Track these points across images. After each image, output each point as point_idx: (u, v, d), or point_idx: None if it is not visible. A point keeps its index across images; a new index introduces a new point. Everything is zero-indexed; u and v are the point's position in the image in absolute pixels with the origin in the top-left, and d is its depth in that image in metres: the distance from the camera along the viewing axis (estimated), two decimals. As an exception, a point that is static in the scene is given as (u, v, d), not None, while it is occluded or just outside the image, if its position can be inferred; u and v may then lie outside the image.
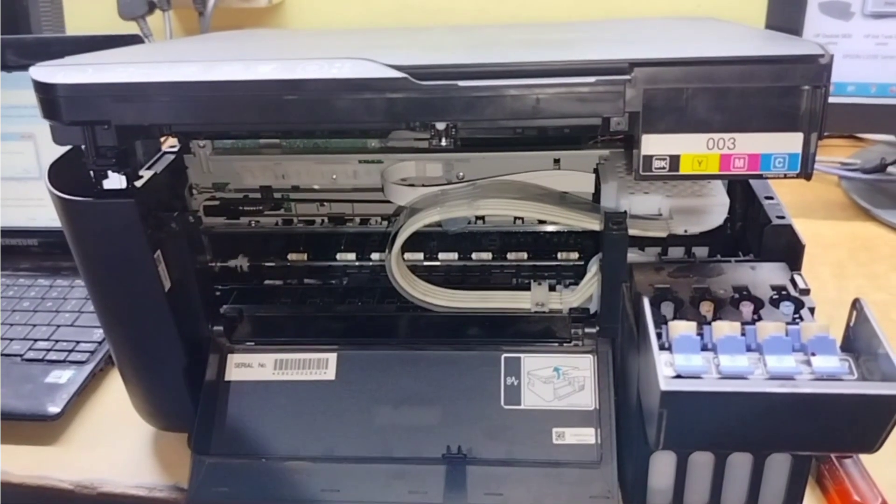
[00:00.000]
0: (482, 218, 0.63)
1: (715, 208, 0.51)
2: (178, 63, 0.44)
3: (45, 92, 0.44)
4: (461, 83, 0.42)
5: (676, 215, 0.51)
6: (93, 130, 0.45)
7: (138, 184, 0.50)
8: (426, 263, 0.62)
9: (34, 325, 0.67)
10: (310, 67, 0.42)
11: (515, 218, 0.59)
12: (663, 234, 0.50)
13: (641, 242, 0.52)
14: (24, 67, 0.73)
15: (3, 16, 0.83)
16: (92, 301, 0.51)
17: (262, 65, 0.43)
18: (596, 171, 0.54)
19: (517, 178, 0.55)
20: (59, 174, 0.48)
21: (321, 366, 0.53)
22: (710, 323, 0.40)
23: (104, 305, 0.50)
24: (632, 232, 0.49)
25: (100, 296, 0.50)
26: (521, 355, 0.52)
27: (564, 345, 0.52)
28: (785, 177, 0.43)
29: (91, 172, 0.48)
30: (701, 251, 0.53)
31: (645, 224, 0.50)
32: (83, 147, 0.47)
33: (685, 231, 0.51)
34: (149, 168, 0.55)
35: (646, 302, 0.40)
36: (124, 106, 0.43)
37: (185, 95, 0.42)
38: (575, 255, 0.59)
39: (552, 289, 0.55)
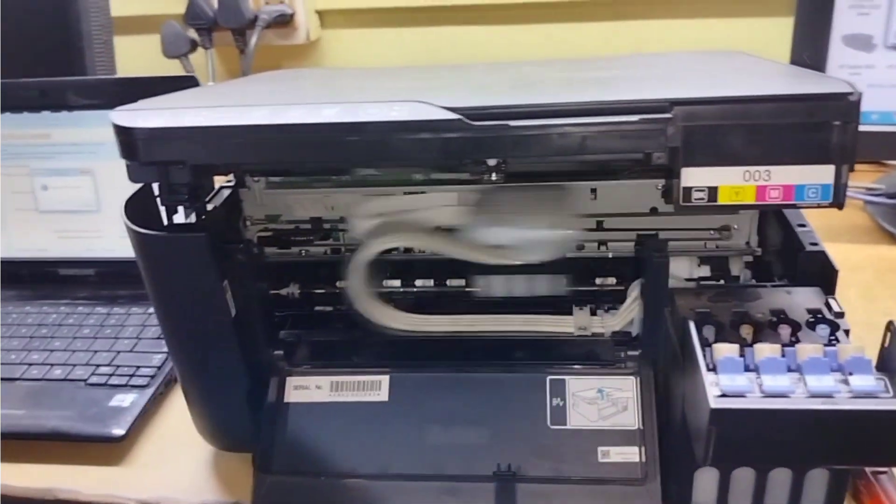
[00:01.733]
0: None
1: None
2: (247, 107, 0.47)
3: (125, 135, 0.47)
4: (512, 123, 0.45)
5: None
6: (167, 169, 0.48)
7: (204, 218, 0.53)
8: (468, 289, 0.65)
9: (95, 352, 0.70)
10: (371, 110, 0.45)
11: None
12: None
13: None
14: (85, 107, 0.77)
15: (61, 58, 0.88)
16: (161, 327, 0.54)
17: (325, 108, 0.46)
18: None
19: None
20: (132, 209, 0.51)
21: (374, 387, 0.56)
22: (751, 345, 0.42)
23: (174, 332, 0.53)
24: None
25: (170, 323, 0.53)
26: (566, 377, 0.54)
27: (608, 367, 0.54)
28: (818, 206, 0.45)
29: (164, 208, 0.51)
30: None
31: None
32: (156, 185, 0.51)
33: None
34: (208, 202, 0.58)
35: (692, 326, 0.43)
36: (200, 148, 0.46)
37: (257, 138, 0.46)
38: (613, 280, 0.62)
39: (593, 313, 0.58)
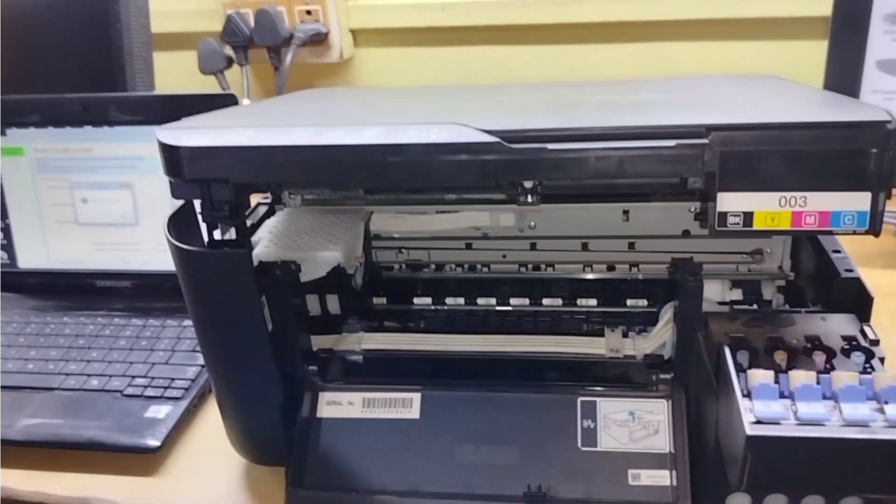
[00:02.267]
0: (552, 265, 0.67)
1: None
2: (290, 127, 0.49)
3: (170, 152, 0.49)
4: (550, 146, 0.45)
5: None
6: (209, 187, 0.50)
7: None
8: (498, 308, 0.66)
9: (131, 363, 0.71)
10: (410, 132, 0.46)
11: (584, 265, 0.63)
12: None
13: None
14: (126, 123, 0.79)
15: (103, 75, 0.90)
16: (199, 341, 0.55)
17: (366, 129, 0.47)
18: None
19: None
20: (173, 225, 0.53)
21: (406, 405, 0.57)
22: (785, 371, 0.43)
23: (212, 345, 0.54)
24: None
25: (208, 337, 0.54)
26: (597, 399, 0.54)
27: (639, 390, 0.54)
28: (854, 233, 0.45)
29: (205, 224, 0.52)
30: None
31: None
32: (198, 201, 0.52)
33: None
34: (246, 218, 0.59)
35: (727, 352, 0.43)
36: (243, 166, 0.47)
37: (299, 157, 0.47)
38: (644, 302, 0.62)
39: (625, 335, 0.58)
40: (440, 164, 0.46)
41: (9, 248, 0.85)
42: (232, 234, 0.54)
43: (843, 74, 0.80)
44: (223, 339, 0.53)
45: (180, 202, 0.54)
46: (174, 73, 1.14)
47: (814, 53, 0.89)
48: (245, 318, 0.52)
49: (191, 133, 0.49)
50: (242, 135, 0.48)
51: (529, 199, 0.51)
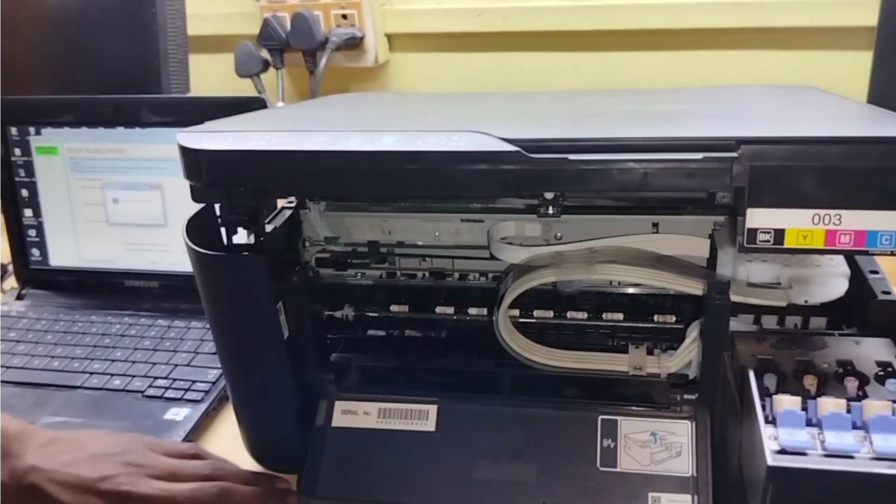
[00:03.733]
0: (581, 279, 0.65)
1: (836, 279, 0.51)
2: (308, 132, 0.48)
3: (190, 156, 0.48)
4: (571, 157, 0.44)
5: (796, 285, 0.51)
6: (229, 191, 0.49)
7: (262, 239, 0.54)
8: (522, 320, 0.64)
9: (154, 364, 0.72)
10: (429, 139, 0.45)
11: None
12: (783, 304, 0.51)
13: (758, 311, 0.53)
14: (157, 125, 0.80)
15: (138, 77, 0.91)
16: (215, 344, 0.55)
17: (385, 136, 0.46)
18: (711, 236, 0.55)
19: (629, 241, 0.56)
20: (191, 228, 0.53)
21: (422, 417, 0.56)
22: (814, 398, 0.40)
23: (227, 349, 0.54)
24: (751, 300, 0.50)
25: (224, 340, 0.54)
26: (618, 418, 0.53)
27: (662, 410, 0.53)
28: (892, 254, 0.43)
29: (224, 229, 0.52)
30: (818, 321, 0.53)
31: (764, 293, 0.51)
32: (218, 205, 0.52)
33: (805, 301, 0.51)
34: (269, 222, 0.59)
35: (752, 375, 0.41)
36: (261, 171, 0.47)
37: (316, 164, 0.46)
38: (672, 319, 0.60)
39: (650, 352, 0.56)
40: (458, 173, 0.45)
41: (41, 245, 0.87)
42: (251, 238, 0.54)
43: (889, 87, 0.77)
44: (238, 344, 0.53)
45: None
46: (211, 76, 1.15)
47: (860, 65, 0.85)
48: (260, 323, 0.51)
49: (210, 137, 0.49)
50: (261, 140, 0.48)
51: (551, 210, 0.50)
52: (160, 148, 0.80)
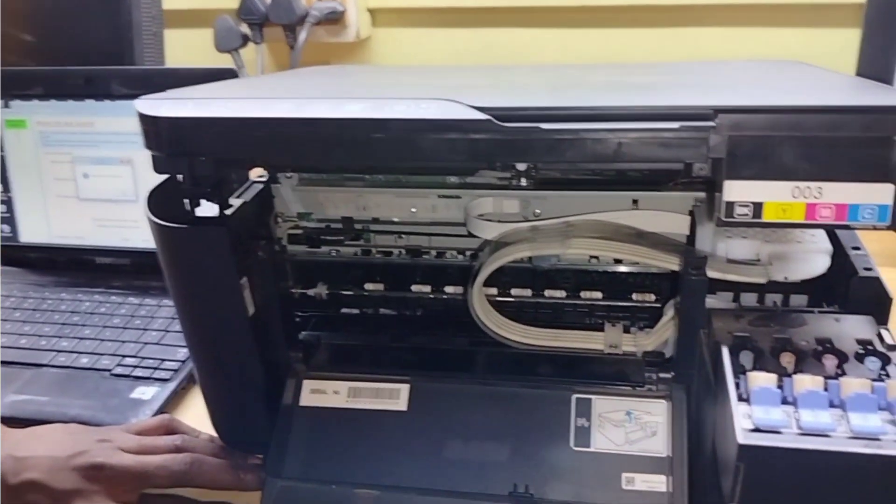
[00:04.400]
0: (558, 256, 0.63)
1: (817, 256, 0.50)
2: (271, 100, 0.46)
3: (149, 124, 0.47)
4: (543, 126, 0.42)
5: (776, 262, 0.50)
6: (191, 161, 0.47)
7: (228, 212, 0.52)
8: (499, 298, 0.63)
9: (123, 342, 0.70)
10: (397, 107, 0.44)
11: (591, 256, 0.59)
12: (763, 281, 0.50)
13: (738, 288, 0.51)
14: (129, 97, 0.77)
15: (111, 48, 0.89)
16: (180, 321, 0.53)
17: (351, 103, 0.45)
18: (691, 212, 0.53)
19: (609, 216, 0.55)
20: (157, 200, 0.51)
21: (393, 396, 0.54)
22: (790, 375, 0.39)
23: (191, 326, 0.52)
24: (729, 277, 0.49)
25: (187, 317, 0.52)
26: (593, 397, 0.52)
27: (638, 389, 0.51)
28: (874, 228, 0.42)
29: (186, 200, 0.50)
30: (799, 299, 0.52)
31: (743, 269, 0.50)
32: (180, 176, 0.50)
33: (785, 278, 0.50)
34: (238, 196, 0.57)
35: (725, 352, 0.40)
36: (221, 140, 0.45)
37: (278, 132, 0.44)
38: (651, 297, 0.59)
39: (626, 330, 0.55)
40: (427, 142, 0.43)
41: (11, 221, 0.85)
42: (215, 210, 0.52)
43: (877, 62, 0.76)
44: (201, 321, 0.51)
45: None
46: (190, 51, 1.12)
47: (849, 41, 0.84)
48: (223, 299, 0.50)
49: (169, 104, 0.47)
50: (223, 107, 0.46)
51: (524, 182, 0.48)
52: (131, 121, 0.77)
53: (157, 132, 0.46)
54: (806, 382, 0.38)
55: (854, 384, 0.38)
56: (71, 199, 0.82)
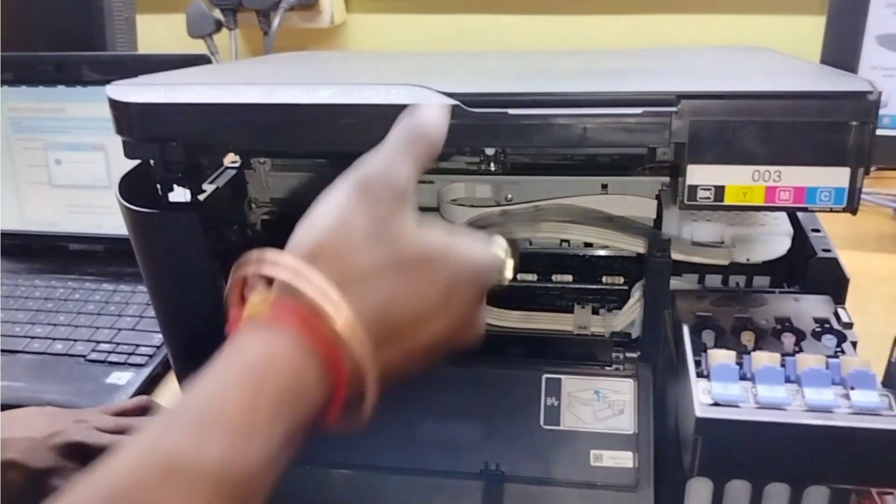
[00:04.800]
0: (529, 239, 0.64)
1: (778, 238, 0.51)
2: (243, 85, 0.47)
3: (120, 109, 0.47)
4: (511, 111, 0.43)
5: (739, 244, 0.51)
6: (162, 147, 0.48)
7: (201, 197, 0.53)
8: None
9: (97, 328, 0.70)
10: (367, 93, 0.44)
11: (562, 240, 0.60)
12: (725, 262, 0.51)
13: (703, 270, 0.53)
14: (100, 83, 0.77)
15: (82, 34, 0.88)
16: (153, 307, 0.53)
17: (321, 89, 0.45)
18: (658, 196, 0.54)
19: (577, 201, 0.56)
20: (129, 186, 0.51)
21: (367, 378, 0.55)
22: (750, 353, 0.41)
23: (164, 312, 0.53)
24: (694, 259, 0.50)
25: (161, 302, 0.52)
26: (562, 376, 0.53)
27: (605, 368, 0.53)
28: (831, 210, 0.43)
29: (158, 186, 0.50)
30: (762, 280, 0.54)
31: (706, 251, 0.51)
32: (152, 162, 0.51)
33: (748, 259, 0.51)
34: (211, 182, 0.57)
35: (685, 329, 0.41)
36: (192, 125, 0.46)
37: (248, 117, 0.45)
38: (620, 280, 0.60)
39: (595, 312, 0.56)
40: (396, 127, 0.44)
41: (-18, 208, 0.84)
42: (188, 196, 0.52)
43: (842, 50, 0.77)
44: (175, 307, 0.52)
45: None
46: (163, 37, 1.12)
47: (814, 28, 0.85)
48: (197, 284, 0.50)
49: (141, 89, 0.47)
50: (193, 92, 0.46)
51: (492, 166, 0.49)
52: (103, 107, 0.77)
53: (128, 118, 0.47)
54: (764, 359, 0.40)
55: (809, 360, 0.39)
56: (44, 185, 0.82)
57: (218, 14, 1.12)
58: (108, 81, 0.76)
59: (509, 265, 0.40)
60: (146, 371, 0.64)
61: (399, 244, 0.34)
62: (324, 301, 0.32)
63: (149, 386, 0.64)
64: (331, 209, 0.35)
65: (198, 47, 1.12)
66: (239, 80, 0.54)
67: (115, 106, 0.47)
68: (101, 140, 0.79)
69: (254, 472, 0.30)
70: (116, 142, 0.48)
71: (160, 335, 0.68)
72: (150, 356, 0.66)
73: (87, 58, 0.78)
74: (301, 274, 0.32)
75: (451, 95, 0.44)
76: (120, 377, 0.64)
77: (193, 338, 0.53)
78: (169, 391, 0.64)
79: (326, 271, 0.32)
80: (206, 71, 0.63)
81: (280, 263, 0.33)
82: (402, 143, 0.37)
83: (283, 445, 0.31)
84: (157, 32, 1.11)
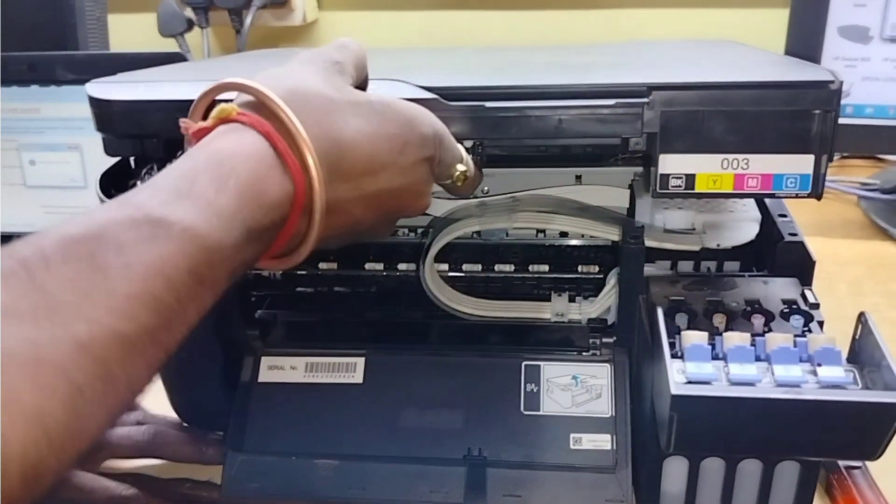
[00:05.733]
0: (506, 230, 0.65)
1: (747, 224, 0.53)
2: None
3: (101, 107, 0.47)
4: (488, 104, 0.44)
5: (709, 230, 0.53)
6: (142, 143, 0.48)
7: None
8: (451, 274, 0.65)
9: (77, 327, 0.70)
10: (346, 88, 0.45)
11: (538, 231, 0.61)
12: (696, 248, 0.52)
13: (675, 257, 0.54)
14: (74, 82, 0.77)
15: (53, 33, 0.88)
16: (136, 303, 0.54)
17: (301, 84, 0.46)
18: (631, 186, 0.56)
19: (553, 191, 0.57)
20: (109, 183, 0.51)
21: (350, 369, 0.56)
22: (721, 334, 0.42)
23: (148, 308, 0.53)
24: (666, 245, 0.51)
25: (144, 298, 0.53)
26: (541, 363, 0.54)
27: (583, 354, 0.54)
28: (797, 196, 0.45)
29: (139, 182, 0.51)
30: (732, 265, 0.55)
31: (678, 238, 0.52)
32: (132, 159, 0.51)
33: (718, 245, 0.53)
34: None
35: (659, 312, 0.42)
36: (172, 121, 0.46)
37: (230, 112, 0.45)
38: (595, 269, 0.62)
39: (572, 300, 0.57)
40: (376, 121, 0.45)
41: (-44, 210, 0.83)
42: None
43: (804, 41, 0.79)
44: (159, 301, 0.52)
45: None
46: (134, 36, 1.11)
47: (778, 20, 0.88)
48: (180, 278, 0.50)
49: (121, 87, 0.48)
50: (174, 89, 0.47)
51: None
52: (78, 107, 0.77)
53: (110, 115, 0.47)
54: (735, 339, 0.41)
55: (778, 339, 0.41)
56: (18, 186, 0.81)
57: (189, 13, 1.12)
58: (82, 81, 0.76)
59: (469, 159, 0.45)
60: (128, 369, 0.64)
61: (351, 90, 0.39)
62: (285, 119, 0.34)
63: (131, 383, 0.64)
64: (280, 70, 0.39)
65: (169, 47, 1.12)
66: (218, 75, 0.54)
67: (96, 104, 0.47)
68: (77, 140, 0.78)
69: (216, 247, 0.30)
70: (92, 141, 0.49)
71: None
72: (132, 354, 0.66)
73: (60, 57, 0.78)
74: (266, 95, 0.35)
75: (428, 89, 0.45)
76: (101, 375, 0.63)
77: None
78: (150, 387, 0.64)
79: (285, 99, 0.35)
80: (184, 68, 0.63)
81: (246, 85, 0.36)
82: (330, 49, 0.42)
83: (245, 238, 0.32)
84: (128, 32, 1.10)
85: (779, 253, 0.50)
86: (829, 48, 0.80)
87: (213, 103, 0.37)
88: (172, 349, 0.30)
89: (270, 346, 0.57)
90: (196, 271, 0.30)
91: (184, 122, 0.37)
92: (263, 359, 0.56)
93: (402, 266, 0.63)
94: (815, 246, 0.50)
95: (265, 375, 0.56)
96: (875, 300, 0.75)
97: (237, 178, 0.32)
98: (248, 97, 0.36)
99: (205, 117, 0.37)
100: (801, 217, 0.53)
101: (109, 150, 0.49)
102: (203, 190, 0.31)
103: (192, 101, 0.45)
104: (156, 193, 0.31)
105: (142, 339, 0.28)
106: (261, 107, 0.35)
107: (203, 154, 0.33)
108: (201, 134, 0.35)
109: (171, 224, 0.29)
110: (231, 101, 0.37)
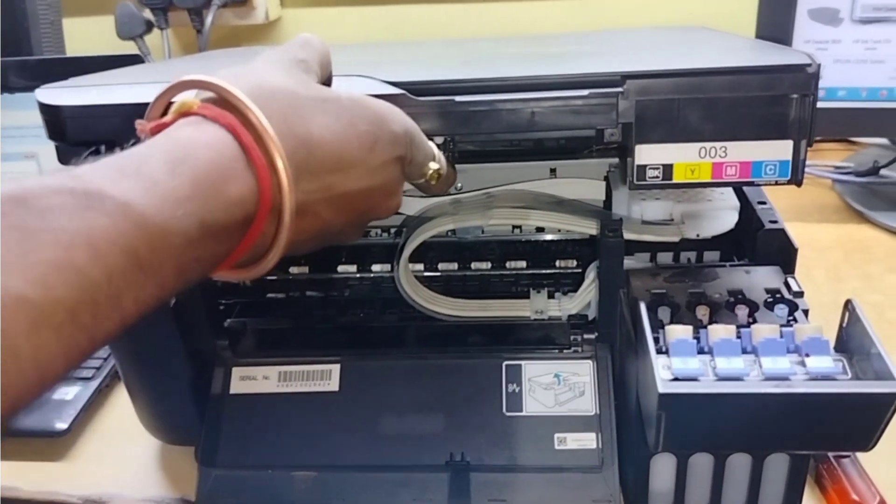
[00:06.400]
0: (481, 227, 0.64)
1: (726, 212, 0.52)
2: (180, 83, 0.45)
3: (51, 114, 0.45)
4: (458, 98, 0.43)
5: (688, 220, 0.52)
6: (97, 150, 0.46)
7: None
8: (427, 274, 0.63)
9: (40, 343, 0.67)
10: (309, 85, 0.43)
11: (514, 226, 0.60)
12: (676, 239, 0.51)
13: (654, 248, 0.53)
14: (27, 89, 0.74)
15: (5, 38, 0.84)
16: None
17: (262, 83, 0.44)
18: (607, 178, 0.55)
19: (527, 187, 0.56)
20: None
21: (325, 377, 0.54)
22: (705, 327, 0.41)
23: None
24: (645, 237, 0.50)
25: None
26: (522, 362, 0.53)
27: (564, 351, 0.53)
28: (776, 183, 0.44)
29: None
30: (712, 255, 0.54)
31: (657, 229, 0.51)
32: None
33: (697, 235, 0.51)
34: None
35: (642, 307, 0.41)
36: (128, 126, 0.44)
37: (188, 115, 0.43)
38: (573, 263, 0.60)
39: (551, 296, 0.56)
40: (342, 119, 0.43)
41: None
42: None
43: (775, 25, 0.79)
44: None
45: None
46: (91, 40, 1.08)
47: (750, 4, 0.87)
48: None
49: (72, 92, 0.45)
50: (128, 92, 0.45)
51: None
52: (32, 114, 0.74)
53: (61, 122, 0.45)
54: (720, 332, 0.40)
55: (764, 330, 0.40)
56: (-27, 198, 0.78)
57: (148, 14, 1.08)
58: (36, 87, 0.73)
59: (441, 157, 0.43)
60: (93, 384, 0.62)
61: (318, 87, 0.37)
62: (250, 115, 0.32)
63: (97, 399, 0.62)
64: (243, 67, 0.37)
65: (129, 49, 1.09)
66: (177, 76, 0.52)
67: (46, 110, 0.45)
68: (33, 148, 0.76)
69: (159, 232, 0.28)
70: (49, 150, 0.47)
71: (107, 346, 0.66)
72: (97, 368, 0.64)
73: (12, 63, 0.75)
74: (229, 91, 0.33)
75: (396, 84, 0.43)
76: (67, 392, 0.61)
77: (142, 346, 0.51)
78: (118, 403, 0.62)
79: (249, 95, 0.33)
80: (139, 70, 0.61)
81: (207, 81, 0.33)
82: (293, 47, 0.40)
83: (199, 232, 0.29)
84: (85, 37, 1.07)
85: (760, 241, 0.49)
86: (800, 31, 0.79)
87: (172, 104, 0.35)
88: (100, 338, 0.27)
89: (241, 355, 0.55)
90: (134, 253, 0.27)
91: (139, 124, 0.34)
92: (234, 369, 0.54)
93: (375, 268, 0.61)
94: (791, 232, 0.49)
95: (237, 387, 0.54)
96: (854, 284, 0.74)
97: (193, 164, 0.30)
98: (209, 94, 0.34)
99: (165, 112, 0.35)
100: (776, 203, 0.52)
101: (63, 159, 0.47)
102: (151, 171, 0.29)
103: (148, 104, 0.44)
104: (99, 168, 0.28)
105: (56, 313, 0.25)
106: (223, 103, 0.33)
107: (158, 140, 0.31)
108: (158, 130, 0.33)
109: (108, 197, 0.27)
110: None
